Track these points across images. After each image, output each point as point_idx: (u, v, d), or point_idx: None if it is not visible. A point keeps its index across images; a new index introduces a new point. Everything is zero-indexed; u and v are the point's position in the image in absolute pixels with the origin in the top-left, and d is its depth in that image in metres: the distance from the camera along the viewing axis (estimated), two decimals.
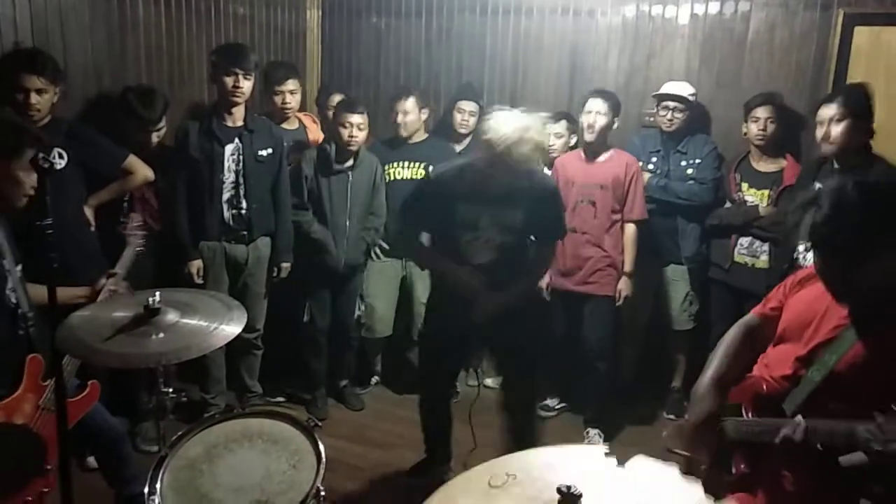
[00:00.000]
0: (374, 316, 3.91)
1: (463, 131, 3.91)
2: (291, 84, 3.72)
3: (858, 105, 2.89)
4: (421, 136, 3.88)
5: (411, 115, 3.77)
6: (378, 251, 3.88)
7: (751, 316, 2.03)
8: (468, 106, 3.88)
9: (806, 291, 1.83)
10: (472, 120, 3.87)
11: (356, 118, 3.48)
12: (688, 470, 1.71)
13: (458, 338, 2.89)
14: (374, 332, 3.94)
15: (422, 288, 3.84)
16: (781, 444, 1.63)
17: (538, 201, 2.70)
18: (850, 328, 1.67)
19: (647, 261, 3.77)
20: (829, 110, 2.89)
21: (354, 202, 3.63)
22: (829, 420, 1.59)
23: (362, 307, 3.94)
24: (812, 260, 1.71)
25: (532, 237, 2.85)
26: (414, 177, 3.79)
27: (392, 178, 3.80)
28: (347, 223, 3.63)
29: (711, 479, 1.70)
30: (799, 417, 1.62)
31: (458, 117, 3.90)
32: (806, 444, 1.60)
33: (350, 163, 3.58)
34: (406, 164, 3.81)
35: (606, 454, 1.37)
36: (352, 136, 3.47)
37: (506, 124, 2.48)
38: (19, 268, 2.23)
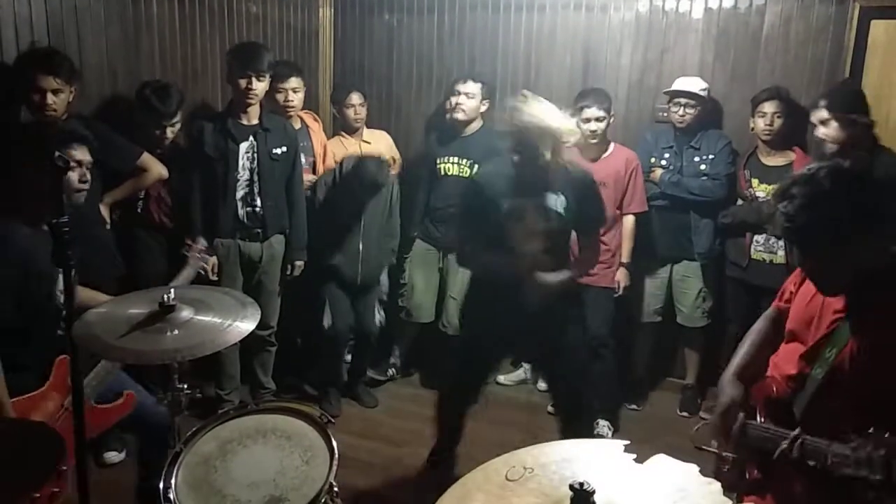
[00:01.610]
0: (412, 300, 3.94)
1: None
2: (294, 82, 3.70)
3: (844, 103, 3.08)
4: (475, 127, 3.84)
5: (474, 100, 3.74)
6: (420, 235, 3.95)
7: (772, 309, 2.02)
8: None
9: (807, 285, 1.79)
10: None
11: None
12: (716, 468, 1.70)
13: (499, 333, 2.82)
14: (412, 316, 3.98)
15: (453, 282, 3.87)
16: (779, 459, 1.62)
17: (576, 190, 2.70)
18: (845, 321, 1.63)
19: (659, 257, 3.76)
20: (818, 113, 3.10)
21: (369, 227, 3.65)
22: (820, 439, 1.56)
23: (404, 290, 4.01)
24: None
25: (574, 228, 2.81)
26: (461, 174, 3.78)
27: (442, 173, 3.82)
28: (361, 247, 3.65)
29: (731, 480, 1.69)
30: (798, 431, 1.61)
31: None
32: (802, 460, 1.58)
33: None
34: (455, 159, 3.82)
35: (626, 448, 1.36)
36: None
37: (521, 111, 2.56)
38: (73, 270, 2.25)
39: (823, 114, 3.09)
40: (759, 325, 2.02)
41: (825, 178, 1.52)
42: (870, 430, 1.46)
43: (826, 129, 3.09)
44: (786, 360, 1.80)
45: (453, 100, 3.79)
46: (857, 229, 1.50)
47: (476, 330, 2.94)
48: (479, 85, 3.76)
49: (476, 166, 3.69)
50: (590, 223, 2.83)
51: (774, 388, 1.79)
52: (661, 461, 1.34)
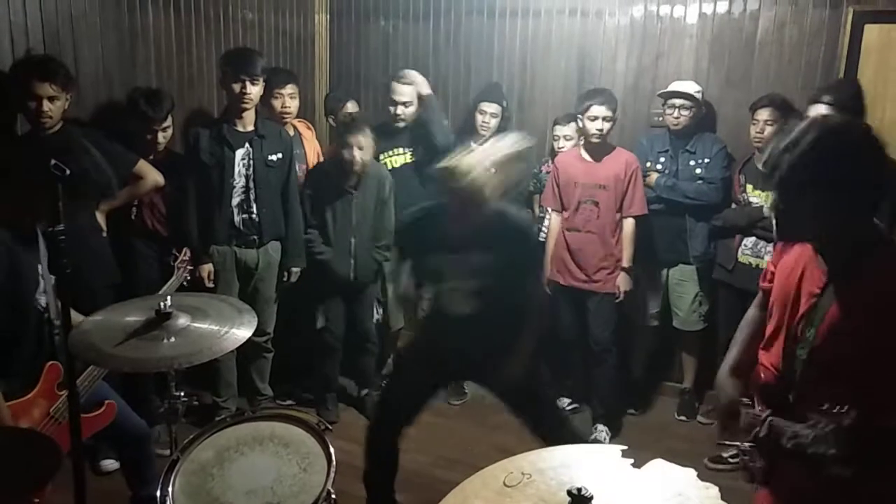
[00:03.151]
0: (387, 307, 3.93)
1: (484, 133, 3.78)
2: (290, 88, 3.71)
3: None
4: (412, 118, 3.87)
5: (411, 106, 3.79)
6: None
7: (759, 293, 1.99)
8: (490, 108, 3.77)
9: (786, 258, 1.75)
10: (494, 122, 3.76)
11: (360, 139, 3.46)
12: (742, 462, 1.70)
13: (441, 371, 2.72)
14: (391, 326, 3.96)
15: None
16: (757, 442, 1.61)
17: (506, 241, 2.48)
18: (821, 294, 1.61)
19: (655, 261, 3.77)
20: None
21: (360, 222, 3.62)
22: (783, 420, 1.56)
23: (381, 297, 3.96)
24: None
25: (511, 281, 2.50)
26: (406, 161, 3.87)
27: (389, 167, 3.82)
28: (353, 242, 3.62)
29: (752, 471, 1.68)
30: (767, 413, 1.60)
31: (479, 119, 3.80)
32: (776, 442, 1.58)
33: (354, 181, 3.56)
34: (400, 150, 3.88)
35: (623, 453, 1.36)
36: (355, 157, 3.47)
37: (462, 163, 2.37)
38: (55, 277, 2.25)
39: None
40: (750, 314, 1.99)
41: (835, 124, 1.53)
42: (823, 407, 1.46)
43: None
44: (771, 341, 1.76)
45: (391, 109, 3.80)
46: (841, 183, 1.48)
47: (415, 363, 2.74)
48: (412, 88, 3.75)
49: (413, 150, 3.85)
50: (521, 275, 2.54)
51: (762, 375, 1.77)
52: (658, 466, 1.34)
